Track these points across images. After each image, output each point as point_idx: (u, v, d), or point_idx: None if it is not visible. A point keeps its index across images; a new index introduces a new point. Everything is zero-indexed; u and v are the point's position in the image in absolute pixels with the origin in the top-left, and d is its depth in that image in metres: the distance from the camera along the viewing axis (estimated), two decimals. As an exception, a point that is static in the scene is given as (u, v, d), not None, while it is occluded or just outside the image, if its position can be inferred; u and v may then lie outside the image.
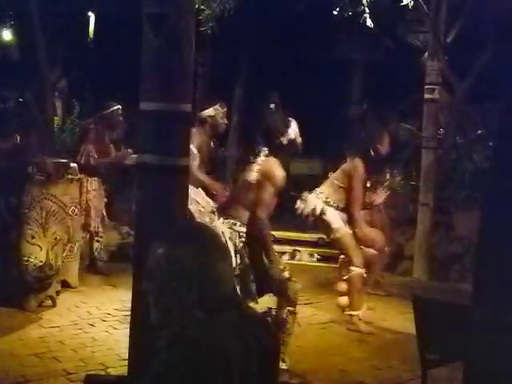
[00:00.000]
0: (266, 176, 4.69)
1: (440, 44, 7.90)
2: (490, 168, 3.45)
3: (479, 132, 8.61)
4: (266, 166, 4.76)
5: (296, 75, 11.70)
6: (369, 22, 7.63)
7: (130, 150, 7.22)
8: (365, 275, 5.88)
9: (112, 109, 7.27)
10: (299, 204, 5.98)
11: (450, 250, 7.83)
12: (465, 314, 3.25)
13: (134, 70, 4.20)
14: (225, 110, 6.39)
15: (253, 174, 4.76)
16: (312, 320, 6.10)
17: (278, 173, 4.70)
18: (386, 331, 5.89)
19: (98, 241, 7.17)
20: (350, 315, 5.90)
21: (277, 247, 5.78)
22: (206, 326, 1.79)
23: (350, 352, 5.35)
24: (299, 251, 8.48)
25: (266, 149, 4.84)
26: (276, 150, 4.83)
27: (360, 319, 5.89)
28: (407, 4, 7.57)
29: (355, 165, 5.86)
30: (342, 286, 5.99)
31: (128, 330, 4.04)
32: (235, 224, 4.63)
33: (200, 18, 7.24)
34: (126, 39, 7.78)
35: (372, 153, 5.92)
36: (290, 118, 4.96)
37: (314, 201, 5.93)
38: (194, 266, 1.82)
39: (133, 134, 8.56)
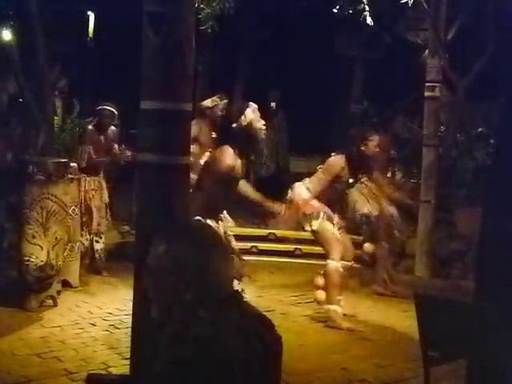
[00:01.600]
0: (210, 162, 4.75)
1: (440, 41, 7.88)
2: (491, 165, 3.44)
3: (480, 129, 8.58)
4: (213, 153, 4.83)
5: (296, 74, 11.70)
6: (369, 20, 7.62)
7: (127, 150, 7.20)
8: (341, 270, 5.81)
9: (99, 107, 7.23)
10: (289, 193, 5.97)
11: (452, 248, 7.81)
12: (467, 311, 3.24)
13: (134, 68, 4.20)
14: (225, 101, 6.36)
15: (201, 161, 4.83)
16: (313, 318, 6.08)
17: (223, 160, 4.68)
18: (387, 329, 5.88)
19: (97, 241, 7.12)
20: (328, 310, 5.82)
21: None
22: (207, 324, 1.79)
23: (352, 350, 5.33)
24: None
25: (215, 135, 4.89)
26: (229, 137, 4.83)
27: (338, 315, 5.81)
28: (407, 1, 7.55)
29: (336, 160, 5.92)
30: (319, 280, 5.94)
31: (129, 329, 4.04)
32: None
33: (200, 16, 7.23)
34: (126, 38, 7.77)
35: (356, 151, 5.94)
36: (251, 104, 4.95)
37: (300, 189, 5.92)
38: (193, 264, 1.83)
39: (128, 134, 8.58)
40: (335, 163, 5.97)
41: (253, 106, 4.94)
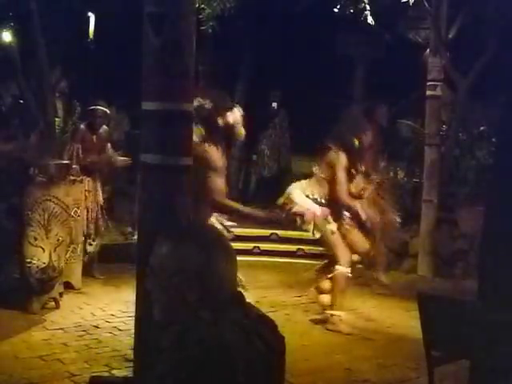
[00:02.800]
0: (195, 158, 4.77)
1: (441, 40, 7.87)
2: (493, 164, 3.44)
3: (482, 128, 8.58)
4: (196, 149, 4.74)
5: (297, 73, 11.69)
6: (370, 20, 7.62)
7: (116, 154, 7.16)
8: (350, 275, 5.75)
9: (92, 107, 7.21)
10: (284, 196, 5.93)
11: (455, 247, 7.80)
12: (470, 310, 3.24)
13: (135, 69, 4.19)
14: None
15: None
16: (316, 319, 6.06)
17: (204, 155, 4.66)
18: (391, 329, 5.87)
19: (90, 244, 6.98)
20: (331, 315, 5.78)
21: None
22: (210, 325, 1.78)
23: (355, 350, 5.32)
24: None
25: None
26: (211, 133, 4.81)
27: (341, 319, 5.77)
28: (408, 0, 7.55)
29: (338, 155, 5.79)
30: (325, 284, 5.88)
31: (132, 331, 4.02)
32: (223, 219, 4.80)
33: (201, 16, 7.22)
34: (126, 39, 7.76)
35: (357, 143, 5.82)
36: (236, 105, 4.97)
37: (296, 193, 5.87)
38: (196, 264, 1.82)
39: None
40: (340, 160, 5.80)
41: (236, 110, 4.96)
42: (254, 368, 1.77)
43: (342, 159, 5.78)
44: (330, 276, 5.82)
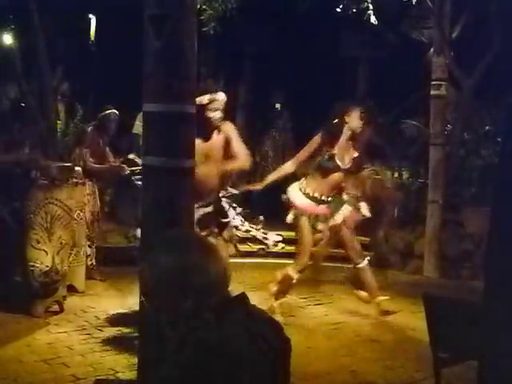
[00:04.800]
0: None
1: (445, 40, 7.84)
2: (499, 163, 3.40)
3: (487, 128, 8.53)
4: None
5: (300, 74, 11.64)
6: (373, 19, 7.59)
7: (124, 165, 7.16)
8: (368, 266, 6.03)
9: (105, 112, 7.21)
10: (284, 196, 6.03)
11: (461, 248, 7.76)
12: (476, 311, 3.20)
13: (137, 71, 4.17)
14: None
15: None
16: (323, 320, 6.05)
17: None
18: (397, 331, 5.83)
19: (90, 246, 6.97)
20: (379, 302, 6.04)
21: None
22: (213, 326, 1.79)
23: (361, 352, 5.29)
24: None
25: None
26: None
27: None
28: (411, 0, 7.52)
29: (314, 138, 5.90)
30: (353, 280, 6.20)
31: (137, 334, 4.00)
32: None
33: (202, 18, 7.20)
34: (128, 41, 7.75)
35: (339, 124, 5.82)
36: (221, 93, 5.07)
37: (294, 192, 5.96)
38: (180, 273, 1.83)
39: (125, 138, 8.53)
40: (313, 140, 5.91)
41: (220, 95, 5.11)
42: (258, 369, 1.78)
43: (314, 140, 5.88)
44: (354, 274, 6.14)
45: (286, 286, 5.99)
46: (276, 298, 5.97)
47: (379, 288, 6.41)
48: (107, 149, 7.32)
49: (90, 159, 7.03)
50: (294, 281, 5.92)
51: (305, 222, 5.85)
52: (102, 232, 7.43)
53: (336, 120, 5.86)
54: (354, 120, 5.81)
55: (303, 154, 5.95)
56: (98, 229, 7.20)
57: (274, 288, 6.02)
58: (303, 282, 7.01)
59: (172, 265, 1.84)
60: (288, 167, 6.01)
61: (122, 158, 7.43)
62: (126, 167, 7.16)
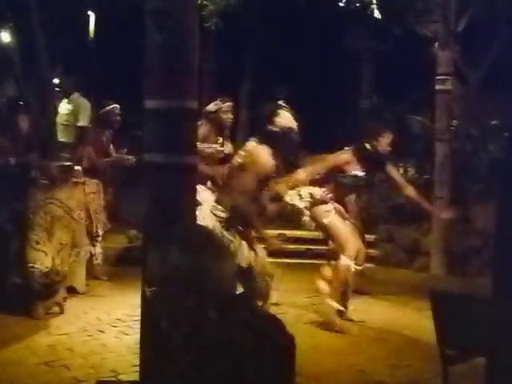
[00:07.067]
0: (248, 161, 4.80)
1: (451, 33, 7.75)
2: (506, 158, 3.33)
3: (494, 122, 8.44)
4: (250, 151, 4.99)
5: (304, 68, 11.59)
6: (376, 13, 7.51)
7: (129, 157, 7.14)
8: (352, 269, 5.60)
9: (107, 108, 7.18)
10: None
11: (468, 244, 7.68)
12: (485, 308, 3.13)
13: (137, 68, 4.12)
14: (227, 104, 6.27)
15: (236, 159, 5.01)
16: (328, 320, 5.95)
17: (263, 159, 4.74)
18: (404, 329, 5.78)
19: (94, 245, 6.93)
20: (326, 303, 5.66)
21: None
22: (217, 325, 1.78)
23: (368, 351, 5.25)
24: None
25: (254, 138, 5.11)
26: (266, 139, 5.03)
27: (346, 319, 5.70)
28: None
29: (343, 152, 5.82)
30: (325, 271, 5.75)
31: (138, 336, 3.94)
32: (216, 208, 4.98)
33: (204, 13, 7.13)
34: (127, 38, 7.70)
35: (369, 148, 5.77)
36: (283, 106, 5.14)
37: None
38: (185, 270, 1.82)
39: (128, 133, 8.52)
40: (341, 154, 5.84)
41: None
42: (263, 367, 1.77)
43: (341, 155, 5.81)
44: (333, 264, 5.71)
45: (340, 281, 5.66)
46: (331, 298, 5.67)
47: (387, 286, 6.36)
48: (111, 145, 7.28)
49: (95, 157, 7.00)
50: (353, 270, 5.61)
51: (334, 216, 5.67)
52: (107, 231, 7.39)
53: (368, 143, 5.78)
54: (383, 145, 5.80)
55: (325, 166, 5.80)
56: (105, 227, 7.15)
57: (323, 286, 5.72)
58: (309, 281, 6.95)
59: (182, 264, 1.83)
60: (301, 179, 5.76)
61: (126, 149, 7.40)
62: (132, 158, 7.14)
